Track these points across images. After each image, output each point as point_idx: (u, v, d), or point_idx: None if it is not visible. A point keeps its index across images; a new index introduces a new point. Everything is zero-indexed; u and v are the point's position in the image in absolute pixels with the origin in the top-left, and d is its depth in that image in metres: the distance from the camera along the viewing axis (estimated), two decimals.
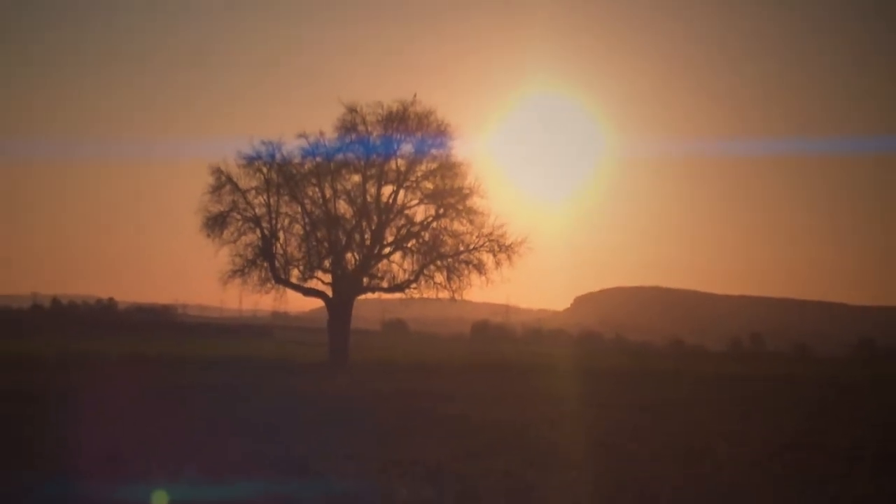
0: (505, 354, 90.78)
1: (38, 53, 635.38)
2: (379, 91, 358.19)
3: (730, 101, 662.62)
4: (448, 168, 62.56)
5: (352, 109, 62.19)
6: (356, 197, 62.92)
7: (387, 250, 63.22)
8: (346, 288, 62.69)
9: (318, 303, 69.11)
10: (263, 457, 19.20)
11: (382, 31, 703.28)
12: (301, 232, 63.04)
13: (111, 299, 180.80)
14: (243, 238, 62.30)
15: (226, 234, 61.89)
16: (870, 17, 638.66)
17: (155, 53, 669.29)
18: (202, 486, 15.97)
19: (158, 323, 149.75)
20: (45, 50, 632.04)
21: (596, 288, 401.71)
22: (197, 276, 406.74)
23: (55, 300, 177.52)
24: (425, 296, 63.56)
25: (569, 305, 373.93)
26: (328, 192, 62.75)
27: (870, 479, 18.82)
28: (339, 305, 63.02)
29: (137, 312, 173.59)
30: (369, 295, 65.33)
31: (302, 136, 62.05)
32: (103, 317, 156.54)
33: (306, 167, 62.86)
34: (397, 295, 64.15)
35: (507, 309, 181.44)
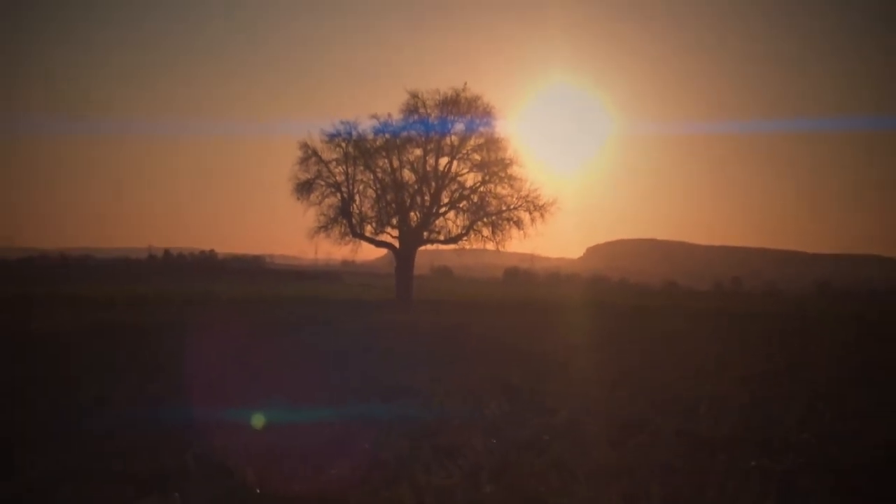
0: (534, 294, 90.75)
1: (163, 53, 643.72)
2: (436, 80, 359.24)
3: (712, 90, 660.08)
4: (492, 143, 62.76)
5: (414, 95, 62.63)
6: (418, 167, 63.33)
7: (443, 210, 63.63)
8: (410, 241, 63.27)
9: (379, 252, 69.54)
10: (359, 381, 18.30)
11: (440, 33, 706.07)
12: (373, 195, 63.57)
13: (212, 250, 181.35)
14: (326, 201, 62.92)
15: (312, 197, 62.53)
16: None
17: (255, 53, 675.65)
18: (302, 410, 14.94)
19: (250, 270, 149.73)
20: (166, 50, 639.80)
21: (604, 240, 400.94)
22: (281, 231, 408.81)
23: (167, 252, 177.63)
24: (474, 247, 64.17)
25: (582, 254, 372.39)
26: (395, 163, 63.17)
27: (857, 399, 18.47)
28: (404, 255, 63.57)
29: (233, 261, 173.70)
30: (428, 246, 65.83)
31: (374, 117, 62.52)
32: (205, 264, 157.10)
33: (377, 142, 63.11)
34: (451, 246, 64.68)
35: (532, 257, 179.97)
